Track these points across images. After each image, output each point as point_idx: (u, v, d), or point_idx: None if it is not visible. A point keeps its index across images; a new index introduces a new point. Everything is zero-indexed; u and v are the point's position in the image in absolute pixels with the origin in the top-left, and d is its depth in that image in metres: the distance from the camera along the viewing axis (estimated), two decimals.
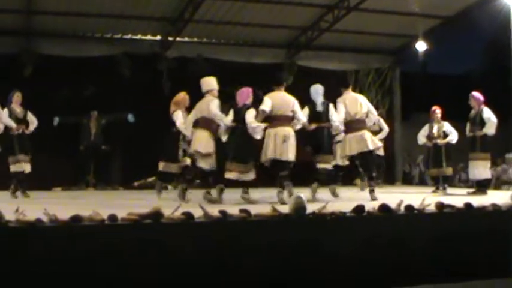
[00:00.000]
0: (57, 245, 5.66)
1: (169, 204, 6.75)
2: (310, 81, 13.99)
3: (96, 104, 14.02)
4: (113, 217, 6.02)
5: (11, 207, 6.23)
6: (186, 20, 13.83)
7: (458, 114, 12.20)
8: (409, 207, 7.30)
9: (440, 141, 12.18)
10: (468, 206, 7.58)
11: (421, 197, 7.84)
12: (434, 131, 12.25)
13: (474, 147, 11.30)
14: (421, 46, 15.69)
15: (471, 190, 11.68)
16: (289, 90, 11.85)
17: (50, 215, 5.96)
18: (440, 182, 12.37)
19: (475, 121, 11.30)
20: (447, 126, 12.22)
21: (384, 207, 7.15)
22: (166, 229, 6.13)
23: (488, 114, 11.20)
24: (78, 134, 13.95)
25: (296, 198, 6.75)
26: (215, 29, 14.95)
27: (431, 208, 7.44)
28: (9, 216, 5.84)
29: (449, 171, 12.35)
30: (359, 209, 7.02)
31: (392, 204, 7.23)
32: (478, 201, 7.93)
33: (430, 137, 12.31)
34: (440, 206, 7.46)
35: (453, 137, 12.09)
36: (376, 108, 16.25)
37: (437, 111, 12.30)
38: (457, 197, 9.82)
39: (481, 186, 11.33)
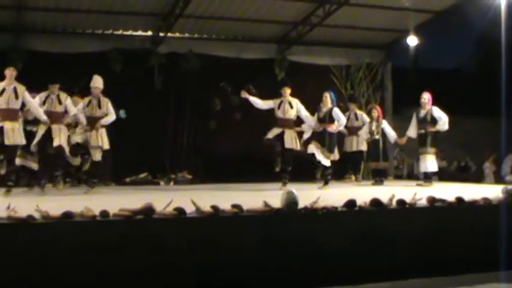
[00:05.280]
0: (49, 241, 5.66)
1: (162, 199, 6.73)
2: (301, 77, 14.06)
3: None
4: (104, 213, 6.02)
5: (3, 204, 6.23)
6: (176, 16, 13.78)
7: (450, 108, 12.25)
8: (401, 202, 7.33)
9: (378, 137, 12.97)
10: (459, 200, 7.63)
11: (412, 191, 7.87)
12: (374, 128, 13.01)
13: (425, 143, 12.19)
14: (412, 41, 15.69)
15: (419, 182, 12.51)
16: (280, 85, 11.90)
17: (42, 211, 5.96)
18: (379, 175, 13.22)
19: (425, 119, 12.18)
20: (385, 124, 13.07)
21: (376, 202, 7.18)
22: (158, 225, 6.14)
23: (439, 113, 12.11)
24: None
25: (288, 193, 6.76)
26: (206, 24, 14.92)
27: (423, 202, 7.48)
28: (0, 213, 5.84)
29: (385, 164, 13.26)
30: (351, 203, 7.04)
31: (384, 199, 7.27)
32: (469, 195, 7.96)
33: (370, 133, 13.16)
34: (432, 200, 7.51)
35: (392, 135, 13.10)
36: (368, 103, 16.34)
37: (375, 110, 13.24)
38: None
39: (428, 178, 12.21)
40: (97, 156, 10.88)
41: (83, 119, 10.86)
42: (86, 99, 11.01)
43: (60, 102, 10.57)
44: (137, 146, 14.31)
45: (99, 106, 10.95)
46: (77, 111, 10.78)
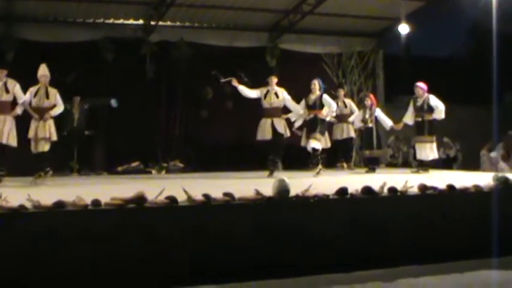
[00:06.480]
0: (41, 231, 5.66)
1: (153, 188, 6.73)
2: (293, 65, 14.03)
3: (79, 89, 13.88)
4: (96, 202, 6.02)
5: None
6: (168, 4, 13.75)
7: (442, 97, 12.28)
8: (392, 189, 7.34)
9: (372, 125, 12.92)
10: (450, 187, 7.65)
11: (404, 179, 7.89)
12: (367, 116, 12.96)
13: (422, 131, 12.31)
14: (403, 29, 15.71)
15: (414, 169, 12.64)
16: (272, 73, 11.90)
17: (34, 201, 5.95)
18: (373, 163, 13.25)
19: (422, 108, 12.26)
20: (378, 112, 13.05)
21: (367, 189, 7.19)
22: (150, 213, 6.14)
23: (435, 101, 12.22)
24: (61, 119, 13.81)
25: (279, 181, 6.77)
26: (197, 12, 14.88)
27: (414, 190, 7.50)
28: None
29: (379, 152, 13.33)
30: (342, 191, 7.05)
31: (376, 187, 7.28)
32: (460, 182, 7.99)
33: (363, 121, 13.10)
34: (423, 187, 7.52)
35: (387, 122, 13.06)
36: (360, 91, 16.35)
37: (368, 98, 13.18)
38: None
39: (427, 166, 12.25)
40: (45, 147, 10.42)
41: None
42: (33, 89, 10.45)
43: (7, 91, 10.09)
44: (129, 135, 14.28)
45: (47, 96, 10.43)
46: None
